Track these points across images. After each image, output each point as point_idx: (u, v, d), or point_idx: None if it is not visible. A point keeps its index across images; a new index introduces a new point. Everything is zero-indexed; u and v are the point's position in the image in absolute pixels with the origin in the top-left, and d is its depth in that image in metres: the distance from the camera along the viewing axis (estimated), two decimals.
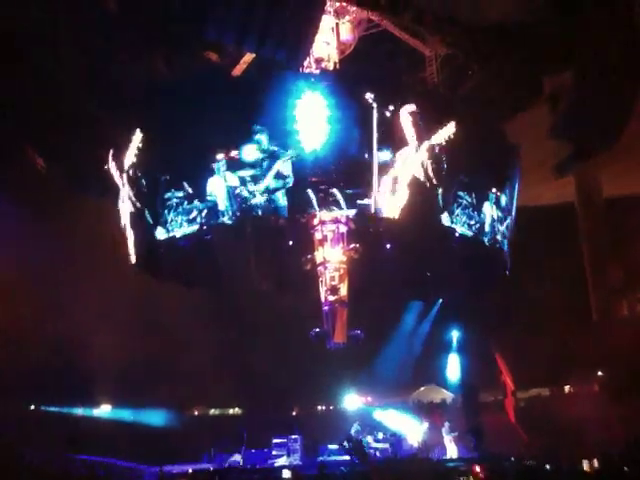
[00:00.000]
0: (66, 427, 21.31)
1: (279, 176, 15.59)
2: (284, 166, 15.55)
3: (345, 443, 16.91)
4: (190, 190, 16.13)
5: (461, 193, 17.33)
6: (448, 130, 16.48)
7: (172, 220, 16.41)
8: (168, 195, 16.38)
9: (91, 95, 16.95)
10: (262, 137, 15.52)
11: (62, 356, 20.99)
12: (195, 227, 16.27)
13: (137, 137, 16.81)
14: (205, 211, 16.12)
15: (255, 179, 15.66)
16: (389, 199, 16.37)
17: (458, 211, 17.28)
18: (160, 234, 16.80)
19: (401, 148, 16.36)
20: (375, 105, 15.81)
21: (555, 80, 17.95)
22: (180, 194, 16.23)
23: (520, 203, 19.73)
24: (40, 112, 17.36)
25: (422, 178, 16.38)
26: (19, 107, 17.26)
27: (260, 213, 15.83)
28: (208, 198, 16.00)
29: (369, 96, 15.87)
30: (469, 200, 17.50)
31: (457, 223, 17.22)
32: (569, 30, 16.86)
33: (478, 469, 13.43)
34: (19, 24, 15.77)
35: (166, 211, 16.46)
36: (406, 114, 16.25)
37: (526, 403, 24.32)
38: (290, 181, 15.60)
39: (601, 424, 19.06)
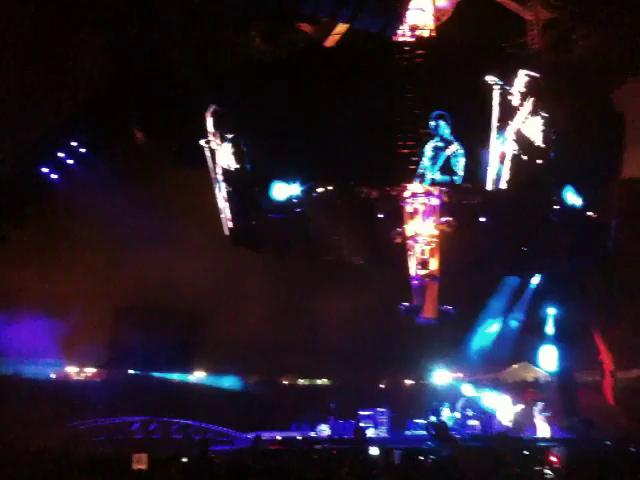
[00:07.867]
0: (164, 391, 22.28)
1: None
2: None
3: (429, 427, 16.76)
4: None
5: None
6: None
7: None
8: None
9: (194, 70, 17.21)
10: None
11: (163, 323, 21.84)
12: None
13: None
14: None
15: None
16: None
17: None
18: None
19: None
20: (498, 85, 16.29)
21: None
22: None
23: (629, 174, 18.69)
24: (143, 88, 17.81)
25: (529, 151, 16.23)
26: (123, 84, 17.77)
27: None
28: None
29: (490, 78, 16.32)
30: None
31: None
32: None
33: (554, 459, 12.96)
34: None
35: None
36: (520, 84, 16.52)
37: (626, 385, 23.23)
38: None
39: None
